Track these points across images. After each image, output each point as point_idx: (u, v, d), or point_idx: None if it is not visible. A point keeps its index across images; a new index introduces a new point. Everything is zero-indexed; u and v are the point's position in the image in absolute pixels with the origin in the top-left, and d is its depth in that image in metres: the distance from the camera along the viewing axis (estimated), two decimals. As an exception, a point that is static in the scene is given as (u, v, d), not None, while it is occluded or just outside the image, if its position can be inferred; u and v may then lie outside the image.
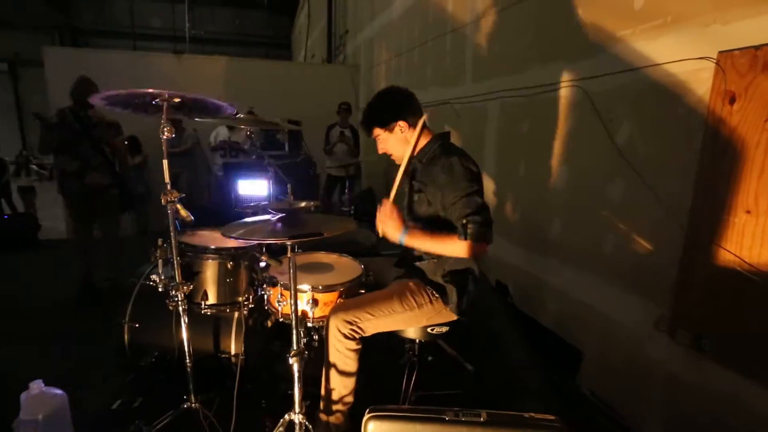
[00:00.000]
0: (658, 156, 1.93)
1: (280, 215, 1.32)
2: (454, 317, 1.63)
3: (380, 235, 1.63)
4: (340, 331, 1.49)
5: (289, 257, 1.21)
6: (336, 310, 1.54)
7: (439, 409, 1.01)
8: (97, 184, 3.13)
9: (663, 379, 1.92)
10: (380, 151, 1.71)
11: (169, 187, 1.41)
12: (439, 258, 1.64)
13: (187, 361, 1.59)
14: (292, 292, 1.27)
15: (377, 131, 1.67)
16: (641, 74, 1.98)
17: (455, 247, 1.49)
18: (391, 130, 1.64)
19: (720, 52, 1.66)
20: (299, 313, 1.57)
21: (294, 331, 1.29)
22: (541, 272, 2.75)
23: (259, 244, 1.31)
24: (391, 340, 1.71)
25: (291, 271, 1.23)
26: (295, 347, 1.29)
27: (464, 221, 1.46)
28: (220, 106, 1.55)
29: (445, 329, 1.63)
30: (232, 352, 1.80)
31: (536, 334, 2.72)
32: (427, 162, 1.64)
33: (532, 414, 1.00)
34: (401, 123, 1.62)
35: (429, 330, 1.63)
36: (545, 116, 2.63)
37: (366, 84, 6.48)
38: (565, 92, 2.46)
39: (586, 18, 2.30)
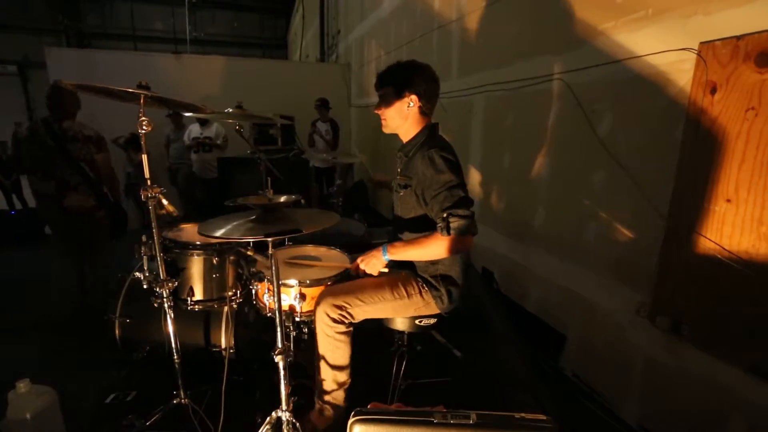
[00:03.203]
0: (640, 146, 1.83)
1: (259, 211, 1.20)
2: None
3: (374, 273, 1.50)
4: (329, 316, 1.40)
5: (270, 254, 1.10)
6: (325, 295, 1.45)
7: (426, 411, 0.91)
8: (79, 207, 2.58)
9: (643, 362, 1.85)
10: (376, 110, 1.54)
11: (149, 182, 1.28)
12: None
13: (175, 356, 1.48)
14: (276, 290, 1.16)
15: (387, 90, 1.49)
16: (623, 66, 1.87)
17: (439, 246, 1.37)
18: (400, 97, 1.46)
19: (701, 42, 1.55)
20: (287, 308, 1.47)
21: (279, 329, 1.18)
22: (526, 260, 2.67)
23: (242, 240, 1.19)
24: (382, 328, 1.61)
25: (273, 268, 1.12)
26: (279, 344, 1.18)
27: (444, 215, 1.35)
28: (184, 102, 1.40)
29: (433, 321, 1.54)
30: (223, 345, 1.70)
31: (521, 318, 2.66)
32: (412, 154, 1.52)
33: (523, 414, 0.90)
34: (413, 96, 1.46)
35: (417, 322, 1.53)
36: (529, 109, 2.53)
37: (357, 81, 6.32)
38: (547, 85, 2.35)
39: (569, 11, 2.18)
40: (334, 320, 1.41)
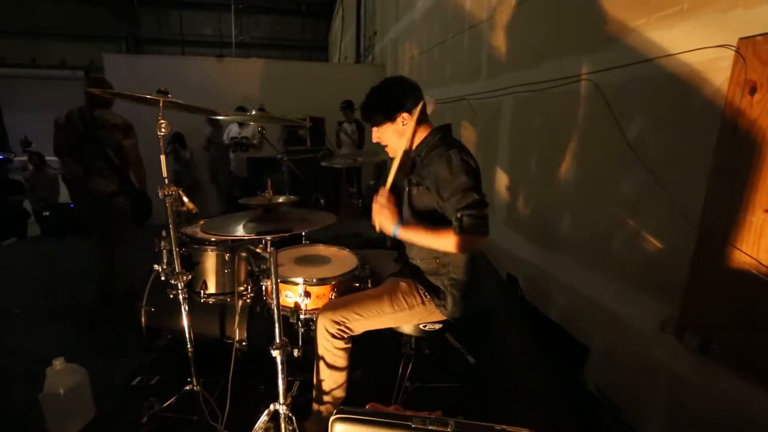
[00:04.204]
0: (671, 151, 1.71)
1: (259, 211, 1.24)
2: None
3: (377, 227, 1.51)
4: (327, 331, 1.41)
5: (269, 252, 1.14)
6: (324, 309, 1.46)
7: (406, 416, 0.91)
8: (101, 191, 2.69)
9: (668, 381, 1.72)
10: (375, 140, 1.56)
11: (166, 181, 1.36)
12: (441, 259, 1.51)
13: (188, 345, 1.56)
14: (274, 286, 1.19)
15: (377, 119, 1.50)
16: (654, 65, 1.76)
17: (449, 241, 1.37)
18: (392, 121, 1.48)
19: (740, 38, 1.43)
20: (293, 305, 1.51)
21: (276, 324, 1.22)
22: (551, 267, 2.57)
23: (242, 238, 1.23)
24: (393, 330, 1.61)
25: (272, 266, 1.15)
26: (277, 339, 1.22)
27: (459, 215, 1.34)
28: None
29: (438, 326, 1.52)
30: (236, 338, 1.76)
31: (544, 327, 2.57)
32: (425, 154, 1.50)
33: (504, 426, 0.87)
34: (404, 114, 1.47)
35: (422, 327, 1.52)
36: (556, 111, 2.44)
37: (392, 82, 6.34)
38: (576, 86, 2.25)
39: (599, 9, 2.07)
40: (333, 335, 1.42)
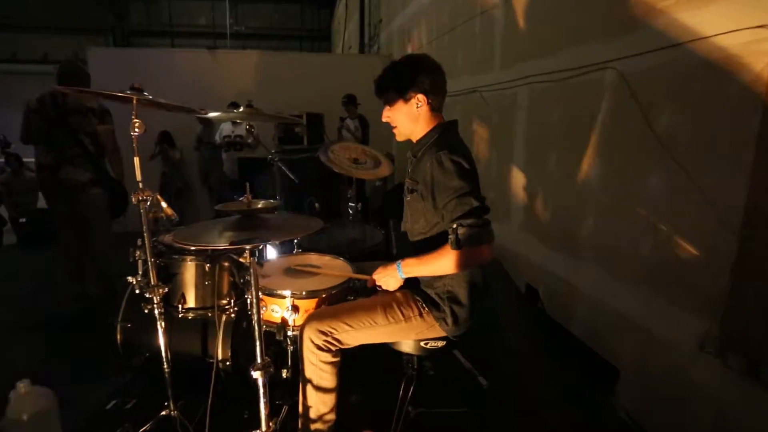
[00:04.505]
0: (705, 145, 1.66)
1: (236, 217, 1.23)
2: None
3: (389, 288, 1.51)
4: (313, 342, 1.39)
5: (249, 262, 1.12)
6: (310, 319, 1.44)
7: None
8: (74, 180, 2.66)
9: (710, 408, 1.66)
10: (384, 119, 1.53)
11: (140, 185, 1.36)
12: None
13: (165, 365, 1.55)
14: (254, 299, 1.18)
15: (391, 95, 1.47)
16: (685, 50, 1.71)
17: (449, 261, 1.34)
18: (406, 100, 1.45)
19: (784, 16, 1.39)
20: (279, 320, 1.49)
21: (257, 342, 1.20)
22: (573, 276, 2.53)
23: (214, 248, 1.23)
24: (392, 348, 1.58)
25: (252, 278, 1.14)
26: (258, 359, 1.20)
27: (454, 225, 1.31)
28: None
29: (441, 344, 1.48)
30: (219, 357, 1.75)
31: (567, 344, 2.53)
32: (421, 155, 1.48)
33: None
34: (420, 96, 1.44)
35: (423, 344, 1.49)
36: (577, 102, 2.42)
37: (398, 74, 6.34)
38: (598, 75, 2.22)
39: (623, -12, 2.04)
40: (319, 347, 1.40)
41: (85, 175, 2.69)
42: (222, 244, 1.05)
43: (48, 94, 2.66)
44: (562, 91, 2.53)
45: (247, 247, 1.08)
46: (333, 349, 1.42)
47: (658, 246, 1.90)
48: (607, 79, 2.16)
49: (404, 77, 1.45)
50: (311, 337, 1.40)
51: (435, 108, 1.48)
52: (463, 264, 1.35)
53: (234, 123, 5.13)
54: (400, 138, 1.55)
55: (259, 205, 1.32)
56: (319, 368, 1.41)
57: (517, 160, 3.10)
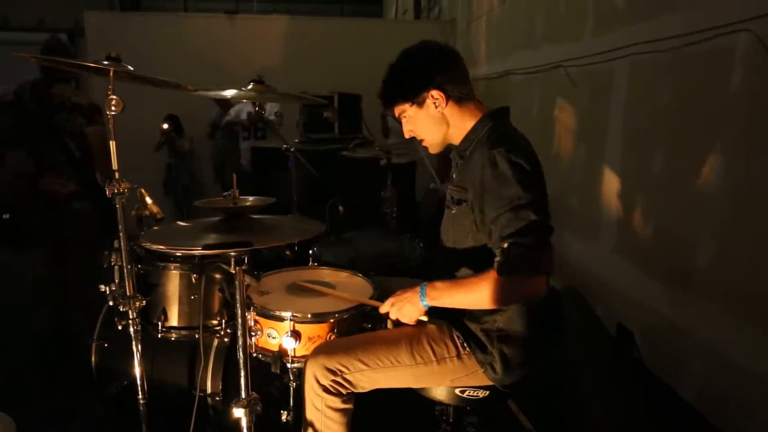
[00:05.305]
0: None
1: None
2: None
3: (405, 321, 1.50)
4: (318, 382, 1.40)
5: (234, 272, 1.16)
6: (316, 352, 1.46)
7: None
8: (54, 192, 2.73)
9: None
10: (407, 134, 1.57)
11: (117, 176, 1.45)
12: None
13: (140, 396, 1.62)
14: (241, 320, 1.21)
15: (401, 106, 1.51)
16: None
17: (490, 289, 1.31)
18: (420, 104, 1.47)
19: None
20: (277, 348, 1.53)
21: (242, 373, 1.23)
22: (685, 317, 2.45)
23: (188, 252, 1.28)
24: (419, 392, 1.58)
25: (237, 291, 1.18)
26: (243, 394, 1.23)
27: (504, 245, 1.28)
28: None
29: (482, 394, 1.46)
30: (209, 390, 1.81)
31: (673, 410, 2.44)
32: (469, 155, 1.49)
33: None
34: (434, 93, 1.45)
35: (458, 392, 1.47)
36: (694, 80, 2.36)
37: (463, 44, 6.35)
38: (725, 41, 2.14)
39: None
40: (326, 389, 1.40)
41: (68, 186, 2.78)
42: (195, 249, 1.10)
43: (28, 85, 2.76)
44: (675, 64, 2.47)
45: (232, 253, 1.12)
46: (343, 392, 1.42)
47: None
48: (739, 46, 2.08)
49: (407, 79, 1.47)
50: (316, 375, 1.41)
51: (461, 98, 1.49)
52: (507, 296, 1.32)
53: (256, 104, 5.29)
54: (434, 150, 1.58)
55: (248, 203, 1.36)
56: (323, 414, 1.42)
57: (610, 159, 3.05)
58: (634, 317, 2.81)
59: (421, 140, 1.57)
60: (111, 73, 1.44)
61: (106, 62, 1.48)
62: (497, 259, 1.30)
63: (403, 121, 1.55)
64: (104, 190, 2.89)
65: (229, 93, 2.07)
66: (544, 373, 1.54)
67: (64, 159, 2.74)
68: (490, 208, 1.35)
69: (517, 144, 1.41)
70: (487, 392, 1.47)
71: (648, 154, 2.69)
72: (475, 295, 1.35)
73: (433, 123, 1.50)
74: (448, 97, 1.46)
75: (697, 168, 2.32)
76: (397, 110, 1.53)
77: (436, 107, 1.46)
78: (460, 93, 1.48)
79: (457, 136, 1.52)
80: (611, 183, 3.04)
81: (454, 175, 1.58)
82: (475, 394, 1.47)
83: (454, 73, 1.49)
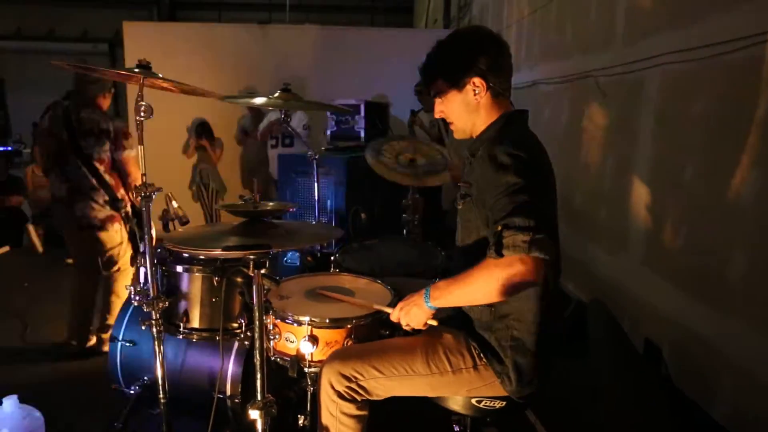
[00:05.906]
0: None
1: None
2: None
3: (415, 326, 1.48)
4: (333, 388, 1.41)
5: (252, 275, 1.18)
6: (332, 358, 1.47)
7: None
8: (89, 219, 2.82)
9: None
10: (437, 114, 1.57)
11: (144, 178, 1.49)
12: (496, 306, 1.43)
13: (161, 395, 1.66)
14: (257, 324, 1.23)
15: (440, 85, 1.50)
16: None
17: (488, 278, 1.26)
18: (460, 89, 1.47)
19: None
20: (294, 352, 1.55)
21: (258, 375, 1.25)
22: (716, 335, 2.38)
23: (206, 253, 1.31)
24: (436, 403, 1.57)
25: (255, 294, 1.20)
26: (259, 396, 1.25)
27: (498, 228, 1.23)
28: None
29: (499, 404, 1.45)
30: (228, 392, 1.83)
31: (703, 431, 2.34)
32: (477, 155, 1.49)
33: None
34: (476, 80, 1.44)
35: (474, 402, 1.46)
36: (730, 89, 2.30)
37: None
38: (761, 50, 2.09)
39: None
40: (340, 395, 1.41)
41: (102, 212, 2.86)
42: (215, 251, 1.12)
43: (62, 111, 2.83)
44: (708, 73, 2.42)
45: (251, 256, 1.14)
46: (358, 399, 1.43)
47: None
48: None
49: (453, 60, 1.47)
50: (331, 381, 1.42)
51: (498, 93, 1.48)
52: (505, 280, 1.24)
53: (285, 112, 5.38)
54: (459, 135, 1.58)
55: (269, 207, 1.38)
56: (338, 420, 1.43)
57: (639, 169, 3.00)
58: (663, 332, 2.74)
59: (451, 123, 1.57)
60: (141, 81, 1.49)
61: (136, 69, 1.53)
62: (490, 241, 1.27)
63: (437, 101, 1.55)
64: (139, 212, 3.05)
65: (258, 101, 2.11)
66: (567, 387, 1.51)
67: (96, 186, 2.80)
68: (488, 196, 1.33)
69: (521, 140, 1.40)
70: (504, 403, 1.46)
71: (679, 165, 2.64)
72: (472, 286, 1.32)
73: (467, 110, 1.50)
74: (488, 88, 1.46)
75: (730, 180, 2.27)
76: (434, 88, 1.53)
77: (474, 95, 1.46)
78: (500, 87, 1.48)
79: (478, 128, 1.52)
80: (641, 194, 2.99)
81: (464, 173, 1.59)
82: (491, 404, 1.46)
83: (500, 66, 1.48)
